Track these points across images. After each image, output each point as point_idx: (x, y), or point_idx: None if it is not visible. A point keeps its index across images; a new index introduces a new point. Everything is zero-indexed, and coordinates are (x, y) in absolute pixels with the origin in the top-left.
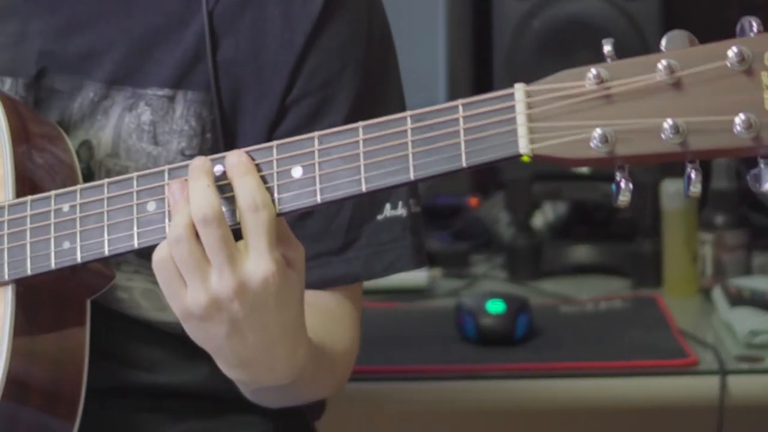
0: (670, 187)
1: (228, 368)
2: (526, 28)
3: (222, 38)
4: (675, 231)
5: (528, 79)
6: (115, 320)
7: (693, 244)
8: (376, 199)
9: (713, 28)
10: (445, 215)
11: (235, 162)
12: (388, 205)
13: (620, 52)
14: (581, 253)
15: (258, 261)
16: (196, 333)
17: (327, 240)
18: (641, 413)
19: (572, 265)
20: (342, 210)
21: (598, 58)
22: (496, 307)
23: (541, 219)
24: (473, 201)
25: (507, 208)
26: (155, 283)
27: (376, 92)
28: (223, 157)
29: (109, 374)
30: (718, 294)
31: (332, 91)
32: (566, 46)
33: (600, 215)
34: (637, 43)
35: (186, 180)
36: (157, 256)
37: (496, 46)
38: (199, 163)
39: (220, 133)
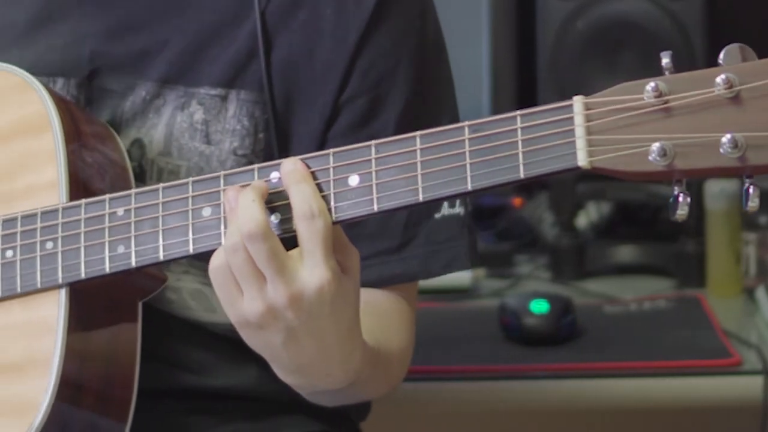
0: (713, 188)
1: (285, 374)
2: (570, 29)
3: (275, 37)
4: (719, 231)
5: (571, 79)
6: (164, 321)
7: (737, 244)
8: None
9: (758, 28)
10: (489, 215)
11: (290, 169)
12: (446, 204)
13: (662, 51)
14: (625, 253)
15: (313, 270)
16: (252, 340)
17: (384, 238)
18: (685, 413)
19: (616, 265)
20: None
21: (642, 57)
22: (540, 307)
23: (585, 219)
24: (517, 201)
25: (551, 208)
26: (205, 283)
27: (429, 91)
28: (279, 164)
29: (157, 375)
30: (761, 294)
31: (386, 89)
32: (610, 47)
33: (644, 215)
34: (681, 43)
35: (242, 186)
36: (214, 263)
37: (540, 46)
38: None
39: (273, 133)
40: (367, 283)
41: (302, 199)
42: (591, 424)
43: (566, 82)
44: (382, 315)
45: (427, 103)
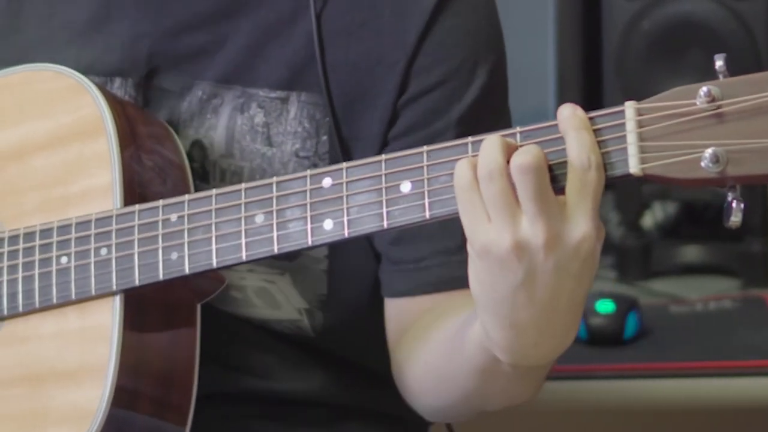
0: None
1: (494, 325)
2: (636, 29)
3: (332, 39)
4: None
5: (637, 79)
6: (227, 324)
7: None
8: None
9: None
10: None
11: (569, 114)
12: None
13: (729, 52)
14: (690, 252)
15: (578, 221)
16: (482, 274)
17: (444, 238)
18: (750, 413)
19: (681, 265)
20: None
21: (708, 57)
22: (605, 307)
23: (650, 219)
24: None
25: (616, 207)
26: (269, 281)
27: (490, 93)
28: (332, 171)
29: (219, 379)
30: None
31: (448, 90)
32: (675, 47)
33: (709, 215)
34: (747, 43)
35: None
36: (460, 183)
37: (606, 46)
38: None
39: (335, 136)
40: (427, 285)
41: (581, 147)
42: (657, 424)
43: (632, 82)
44: None
45: (489, 107)
